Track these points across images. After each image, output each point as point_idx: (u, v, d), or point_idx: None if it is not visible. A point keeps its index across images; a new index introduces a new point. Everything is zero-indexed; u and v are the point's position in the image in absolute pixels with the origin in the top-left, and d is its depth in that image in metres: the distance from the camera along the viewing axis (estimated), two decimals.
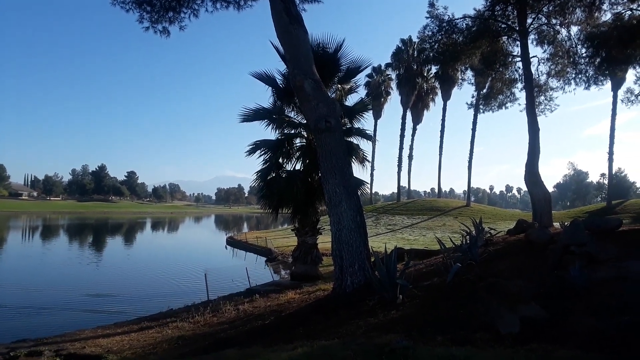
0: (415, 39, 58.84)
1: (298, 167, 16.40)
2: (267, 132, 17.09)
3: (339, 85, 16.15)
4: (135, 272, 26.60)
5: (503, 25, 20.04)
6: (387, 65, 65.28)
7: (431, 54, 21.55)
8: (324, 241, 20.81)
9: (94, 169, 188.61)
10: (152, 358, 7.92)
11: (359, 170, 18.15)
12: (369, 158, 17.91)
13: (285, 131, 16.58)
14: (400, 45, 63.24)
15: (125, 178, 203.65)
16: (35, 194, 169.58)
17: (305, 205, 15.45)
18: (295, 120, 16.59)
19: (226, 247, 41.22)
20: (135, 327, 11.52)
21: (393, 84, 66.81)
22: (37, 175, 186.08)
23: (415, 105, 65.54)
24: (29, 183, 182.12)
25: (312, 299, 11.00)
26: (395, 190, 74.20)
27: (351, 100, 17.32)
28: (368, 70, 59.26)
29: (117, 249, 43.88)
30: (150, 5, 11.70)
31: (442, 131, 65.40)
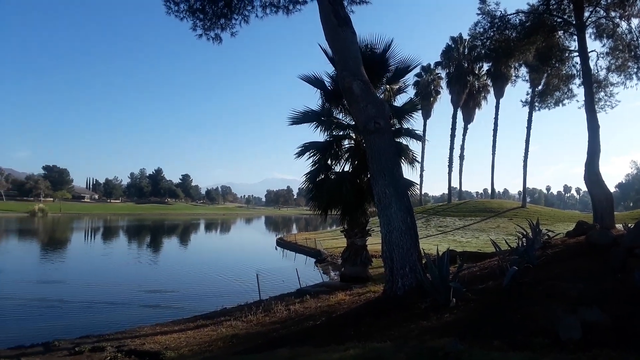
0: (465, 37, 57.63)
1: (347, 168, 16.39)
2: (315, 134, 17.23)
3: (388, 86, 16.02)
4: (190, 271, 27.48)
5: (559, 20, 19.23)
6: (437, 64, 64.14)
7: (483, 51, 20.96)
8: (373, 242, 20.68)
9: (151, 173, 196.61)
10: (208, 355, 8.16)
11: (408, 171, 17.92)
12: (419, 158, 17.67)
13: (334, 133, 16.62)
14: (450, 43, 61.96)
15: (180, 181, 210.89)
16: (96, 196, 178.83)
17: (354, 206, 15.42)
18: (344, 122, 16.61)
19: (276, 248, 41.77)
20: (191, 325, 11.91)
21: (443, 83, 65.55)
22: (98, 178, 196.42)
23: (467, 103, 63.95)
24: (91, 186, 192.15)
25: (362, 300, 10.97)
26: (446, 191, 72.77)
27: (400, 100, 17.17)
28: (417, 70, 58.31)
29: (172, 248, 45.58)
30: (203, 13, 12.09)
31: (494, 130, 63.41)
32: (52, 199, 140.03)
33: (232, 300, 16.46)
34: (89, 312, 16.30)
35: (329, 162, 16.29)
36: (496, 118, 63.52)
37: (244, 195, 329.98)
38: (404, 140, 16.37)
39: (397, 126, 16.04)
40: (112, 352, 9.22)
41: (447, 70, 62.96)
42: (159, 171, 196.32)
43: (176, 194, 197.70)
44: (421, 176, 66.28)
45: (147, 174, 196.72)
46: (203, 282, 23.17)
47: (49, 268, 28.08)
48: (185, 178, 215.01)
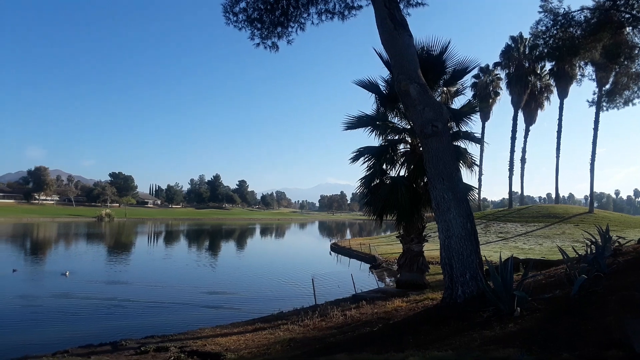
0: (526, 35, 55.85)
1: (402, 173, 16.14)
2: (370, 139, 17.14)
3: (445, 88, 15.67)
4: (246, 274, 28.10)
5: (627, 15, 18.14)
6: (496, 65, 62.16)
7: (545, 50, 20.09)
8: (430, 249, 20.26)
9: (210, 179, 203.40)
10: (267, 358, 8.25)
11: (467, 176, 17.45)
12: (477, 162, 17.13)
13: (389, 137, 16.45)
14: (509, 43, 59.91)
15: (236, 186, 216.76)
16: (159, 202, 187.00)
17: (410, 211, 15.13)
18: (399, 126, 16.41)
19: (330, 253, 41.87)
20: (250, 328, 12.13)
21: (502, 84, 63.36)
22: (160, 185, 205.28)
23: (528, 105, 61.49)
24: (154, 192, 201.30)
25: (420, 307, 10.74)
26: (506, 196, 70.00)
27: (458, 102, 16.76)
28: (475, 71, 56.74)
29: (230, 252, 46.79)
30: (260, 22, 12.36)
31: (558, 132, 60.46)
32: (118, 205, 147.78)
33: (288, 304, 16.65)
34: (153, 313, 17.05)
35: (384, 166, 16.11)
36: (560, 119, 60.60)
37: (298, 201, 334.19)
38: (462, 144, 15.93)
39: (455, 129, 15.62)
40: (176, 353, 9.52)
41: (507, 71, 60.86)
42: (217, 177, 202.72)
43: (233, 199, 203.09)
44: (480, 180, 64.07)
45: (206, 180, 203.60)
46: (259, 285, 23.65)
47: (116, 270, 29.61)
48: (242, 184, 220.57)
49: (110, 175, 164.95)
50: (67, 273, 24.72)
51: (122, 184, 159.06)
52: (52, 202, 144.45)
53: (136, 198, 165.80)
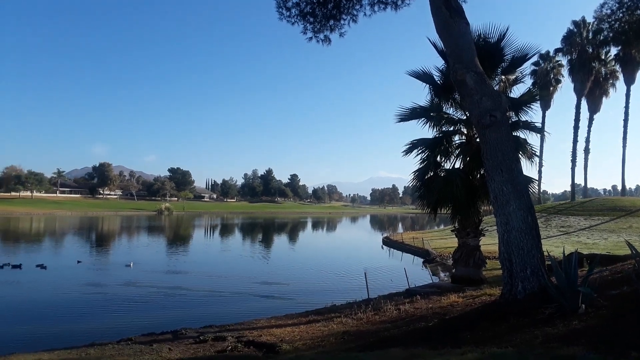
0: (589, 20, 53.29)
1: (457, 165, 15.71)
2: (423, 131, 16.80)
3: (503, 77, 15.08)
4: (299, 266, 28.54)
5: None
6: (557, 51, 59.30)
7: (610, 34, 18.94)
8: (487, 243, 19.67)
9: (262, 173, 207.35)
10: (321, 350, 8.32)
11: (526, 167, 16.73)
12: (537, 153, 16.39)
13: (444, 129, 16.06)
14: (571, 28, 56.95)
15: (288, 180, 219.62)
16: (214, 196, 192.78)
17: (465, 205, 14.71)
18: (454, 117, 15.97)
19: (382, 247, 41.62)
20: (304, 320, 12.27)
21: (564, 71, 60.39)
22: (216, 179, 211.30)
23: (592, 92, 58.26)
24: (210, 186, 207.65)
25: (477, 303, 10.47)
26: (568, 188, 66.98)
27: (517, 91, 16.09)
28: (535, 58, 54.27)
29: (282, 245, 47.62)
30: (313, 16, 12.34)
31: (625, 120, 57.00)
32: (176, 199, 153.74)
33: (340, 297, 16.71)
34: (211, 302, 17.68)
35: (438, 158, 15.75)
36: (627, 107, 57.12)
37: (349, 194, 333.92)
38: (521, 134, 15.28)
39: (515, 119, 15.01)
40: (233, 342, 9.79)
41: (569, 57, 58.00)
42: (269, 172, 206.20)
43: (285, 193, 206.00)
44: (540, 172, 61.26)
45: (259, 175, 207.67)
46: (311, 277, 23.91)
47: (176, 260, 30.92)
48: (294, 178, 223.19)
49: (169, 170, 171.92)
50: (131, 264, 26.01)
51: (180, 179, 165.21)
52: (116, 196, 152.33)
53: (193, 192, 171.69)
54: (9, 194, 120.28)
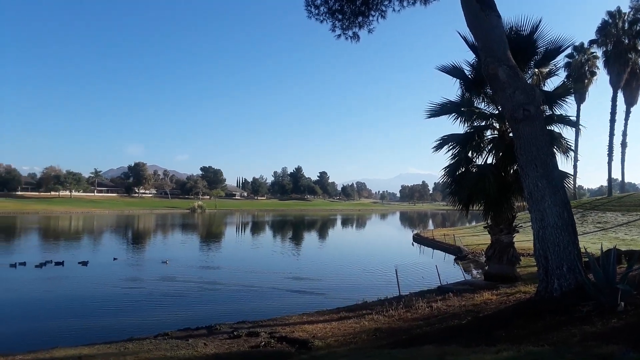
0: (625, 10, 51.87)
1: (489, 160, 15.42)
2: (454, 126, 16.57)
3: (536, 70, 14.67)
4: (329, 263, 28.71)
5: None
6: (591, 42, 57.39)
7: None
8: (521, 240, 19.27)
9: (292, 171, 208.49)
10: (354, 347, 8.35)
11: (561, 162, 16.30)
12: (572, 147, 15.92)
13: (475, 124, 15.78)
14: (606, 19, 54.97)
15: (317, 178, 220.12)
16: (245, 194, 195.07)
17: (498, 201, 14.43)
18: (486, 112, 15.69)
19: (412, 244, 41.33)
20: (335, 317, 12.32)
21: (599, 63, 58.42)
22: (246, 177, 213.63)
23: (629, 84, 56.15)
24: (241, 185, 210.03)
25: (511, 301, 10.32)
26: (605, 183, 64.96)
27: (550, 84, 15.67)
28: (568, 50, 52.73)
29: (313, 242, 47.88)
30: (341, 13, 12.32)
31: None
32: (208, 197, 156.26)
33: (371, 294, 16.72)
34: (244, 298, 18.03)
35: (470, 154, 15.50)
36: None
37: (379, 191, 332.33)
38: (556, 128, 14.88)
39: (549, 113, 14.62)
40: (266, 338, 9.93)
41: (604, 49, 56.06)
42: (298, 169, 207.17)
43: (314, 190, 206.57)
44: (575, 167, 59.29)
45: (288, 172, 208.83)
46: (342, 274, 24.00)
47: (210, 257, 31.59)
48: (323, 175, 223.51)
49: (201, 169, 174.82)
50: (168, 261, 26.66)
51: (212, 178, 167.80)
52: (150, 195, 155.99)
53: (225, 190, 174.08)
54: (49, 194, 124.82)
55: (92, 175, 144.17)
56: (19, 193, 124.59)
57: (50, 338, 11.80)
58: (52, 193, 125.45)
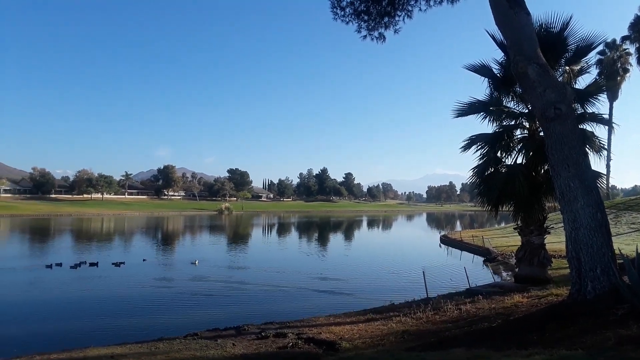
0: None
1: (519, 160, 15.14)
2: (482, 126, 16.37)
3: (567, 67, 14.34)
4: (355, 264, 28.66)
5: None
6: (624, 39, 55.76)
7: None
8: (552, 241, 18.85)
9: (317, 172, 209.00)
10: (381, 349, 8.32)
11: (594, 161, 15.86)
12: (605, 146, 15.47)
13: (504, 123, 15.53)
14: (639, 14, 53.23)
15: (343, 179, 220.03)
16: (271, 195, 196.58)
17: (529, 201, 14.14)
18: (515, 111, 15.42)
19: (440, 246, 40.87)
20: (362, 318, 12.30)
21: (632, 59, 56.63)
22: (272, 179, 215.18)
23: None
24: (267, 186, 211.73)
25: (543, 304, 10.12)
26: (639, 183, 62.42)
27: (582, 82, 15.28)
28: (600, 47, 51.20)
29: (338, 243, 47.88)
30: (367, 14, 12.30)
31: None
32: (235, 199, 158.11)
33: (398, 295, 16.61)
34: (271, 298, 18.21)
35: (499, 154, 15.25)
36: None
37: (405, 192, 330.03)
38: (588, 127, 14.51)
39: (580, 111, 14.27)
40: (293, 339, 9.98)
41: (637, 45, 54.32)
42: (324, 171, 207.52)
43: (340, 192, 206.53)
44: (608, 166, 57.35)
45: (314, 174, 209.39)
46: (368, 275, 23.93)
47: (238, 258, 32.02)
48: (348, 176, 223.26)
49: (228, 171, 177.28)
50: (196, 262, 27.10)
51: (238, 179, 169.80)
52: (179, 197, 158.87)
53: (251, 192, 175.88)
54: (82, 196, 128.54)
55: (122, 178, 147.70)
56: (53, 196, 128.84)
57: (84, 337, 12.11)
58: (85, 195, 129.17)
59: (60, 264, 25.02)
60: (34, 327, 13.86)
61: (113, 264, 25.89)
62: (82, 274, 23.13)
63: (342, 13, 12.40)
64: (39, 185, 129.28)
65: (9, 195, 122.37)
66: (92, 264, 25.47)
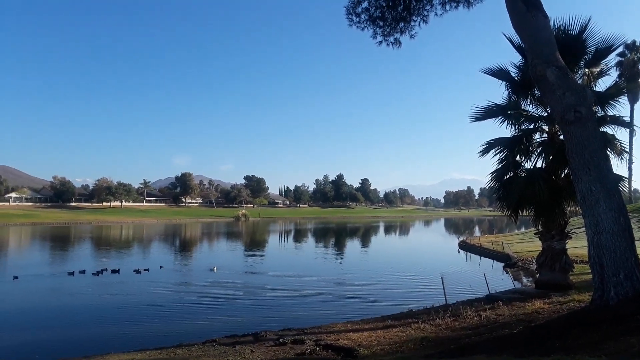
0: None
1: (539, 164, 14.93)
2: (500, 130, 16.17)
3: (587, 70, 14.12)
4: (372, 270, 28.59)
5: None
6: None
7: None
8: (574, 246, 18.52)
9: (334, 178, 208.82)
10: (400, 356, 8.27)
11: (616, 165, 15.54)
12: (627, 149, 15.18)
13: (523, 127, 15.33)
14: None
15: (359, 185, 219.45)
16: (287, 202, 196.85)
17: (549, 206, 13.93)
18: (534, 114, 15.23)
19: (458, 251, 40.48)
20: (380, 325, 12.23)
21: None
22: (288, 185, 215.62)
23: None
24: (283, 193, 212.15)
25: (565, 310, 9.96)
26: None
27: (602, 84, 15.04)
28: (620, 49, 50.39)
29: (355, 249, 47.77)
30: (382, 20, 12.25)
31: None
32: (252, 205, 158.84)
33: (416, 302, 16.51)
34: (289, 304, 18.29)
35: (518, 158, 15.06)
36: None
37: (422, 197, 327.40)
38: (609, 129, 14.27)
39: (601, 114, 14.03)
40: (311, 346, 9.97)
41: None
42: (340, 177, 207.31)
43: (356, 197, 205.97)
44: (630, 169, 56.01)
45: (330, 180, 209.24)
46: (386, 281, 23.81)
47: (255, 264, 32.21)
48: (365, 182, 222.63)
49: (244, 178, 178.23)
50: (215, 268, 27.32)
51: (255, 186, 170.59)
52: (196, 204, 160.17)
53: (267, 199, 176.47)
54: (101, 204, 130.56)
55: (141, 186, 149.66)
56: (73, 204, 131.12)
57: (105, 343, 12.28)
58: (104, 203, 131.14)
59: (83, 271, 25.48)
60: (57, 333, 14.14)
61: (134, 270, 26.22)
62: (104, 280, 23.52)
63: (358, 19, 12.40)
64: (59, 194, 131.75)
65: (31, 203, 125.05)
66: (113, 271, 25.86)
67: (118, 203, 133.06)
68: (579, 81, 13.18)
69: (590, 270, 8.37)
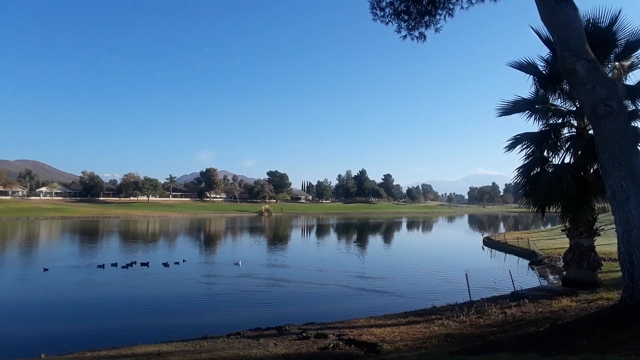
0: None
1: (567, 159, 14.62)
2: (527, 124, 15.90)
3: (617, 63, 13.71)
4: (395, 266, 28.42)
5: None
6: None
7: None
8: (602, 243, 18.11)
9: (356, 174, 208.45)
10: (424, 352, 8.24)
11: None
12: None
13: (550, 121, 15.04)
14: None
15: (382, 181, 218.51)
16: (310, 197, 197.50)
17: (577, 202, 13.58)
18: (562, 108, 14.91)
19: (483, 248, 39.96)
20: (403, 321, 12.21)
21: None
22: (311, 181, 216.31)
23: None
24: (306, 188, 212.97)
25: (592, 308, 9.77)
26: None
27: (632, 78, 14.59)
28: None
29: (378, 244, 47.61)
30: (407, 14, 12.13)
31: None
32: (275, 200, 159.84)
33: (440, 298, 16.41)
34: (312, 298, 18.41)
35: (545, 153, 14.78)
36: None
37: (445, 193, 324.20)
38: None
39: (632, 108, 13.62)
40: (334, 340, 10.02)
41: None
42: (363, 172, 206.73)
43: (379, 193, 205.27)
44: None
45: (353, 175, 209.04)
46: (409, 277, 23.69)
47: (279, 258, 32.44)
48: (387, 178, 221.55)
49: (267, 173, 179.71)
50: (240, 262, 27.63)
51: (278, 182, 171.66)
52: (221, 199, 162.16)
53: (290, 194, 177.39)
54: (128, 199, 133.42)
55: (167, 181, 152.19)
56: (101, 198, 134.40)
57: (132, 334, 12.57)
58: (131, 198, 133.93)
59: (115, 264, 26.18)
60: (86, 324, 14.52)
61: (163, 264, 26.75)
62: (134, 272, 24.11)
63: (382, 14, 12.28)
64: (88, 188, 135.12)
65: (60, 197, 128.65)
66: (142, 264, 26.43)
67: (145, 198, 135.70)
68: (610, 74, 12.83)
69: (619, 268, 8.20)
